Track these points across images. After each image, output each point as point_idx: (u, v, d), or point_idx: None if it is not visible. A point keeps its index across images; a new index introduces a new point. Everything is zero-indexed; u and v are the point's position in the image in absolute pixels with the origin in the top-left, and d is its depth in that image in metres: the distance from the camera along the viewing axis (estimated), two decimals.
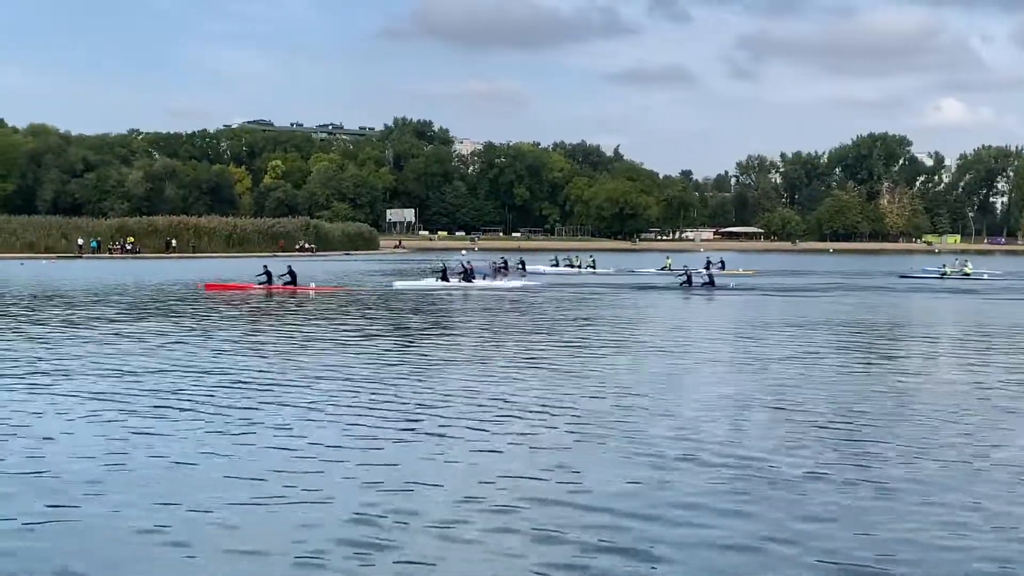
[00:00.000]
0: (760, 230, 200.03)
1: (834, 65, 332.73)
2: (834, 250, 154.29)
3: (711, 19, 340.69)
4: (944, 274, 61.57)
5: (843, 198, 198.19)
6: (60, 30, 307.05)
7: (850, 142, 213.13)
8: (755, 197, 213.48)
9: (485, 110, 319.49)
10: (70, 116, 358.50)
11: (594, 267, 67.50)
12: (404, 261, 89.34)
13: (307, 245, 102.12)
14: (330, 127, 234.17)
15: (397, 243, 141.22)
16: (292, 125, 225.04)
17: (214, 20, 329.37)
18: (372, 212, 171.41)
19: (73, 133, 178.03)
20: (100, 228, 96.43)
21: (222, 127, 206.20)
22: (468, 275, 48.35)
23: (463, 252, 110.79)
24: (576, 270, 66.98)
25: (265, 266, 45.32)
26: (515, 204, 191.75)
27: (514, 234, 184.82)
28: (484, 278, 49.26)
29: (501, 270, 53.05)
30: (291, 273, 43.93)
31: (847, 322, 30.93)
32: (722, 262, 68.79)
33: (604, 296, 42.96)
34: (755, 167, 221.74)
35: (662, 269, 66.05)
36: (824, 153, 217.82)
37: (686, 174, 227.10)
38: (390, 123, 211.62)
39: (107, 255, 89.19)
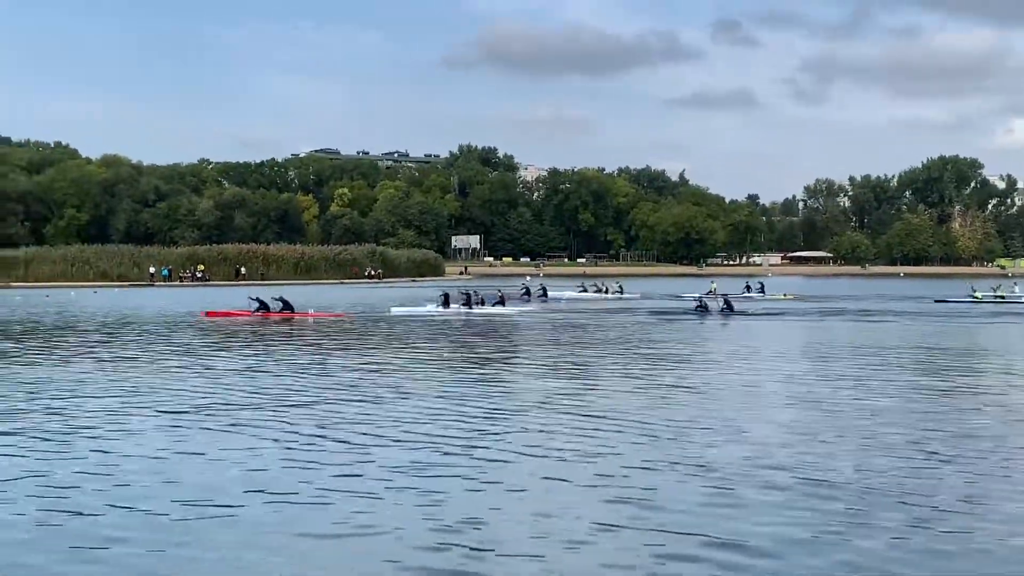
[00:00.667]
0: (829, 254, 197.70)
1: (901, 87, 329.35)
2: (905, 274, 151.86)
3: (775, 42, 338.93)
4: (976, 298, 60.14)
5: (914, 222, 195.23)
6: (132, 62, 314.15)
7: (920, 165, 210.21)
8: (823, 221, 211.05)
9: (549, 136, 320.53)
10: (142, 147, 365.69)
11: (621, 292, 67.14)
12: (470, 287, 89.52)
13: (374, 272, 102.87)
14: (396, 155, 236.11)
15: (463, 269, 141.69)
16: (358, 153, 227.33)
17: (281, 51, 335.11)
18: (437, 239, 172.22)
19: (145, 163, 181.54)
20: (171, 256, 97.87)
21: (290, 156, 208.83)
22: (470, 302, 48.09)
23: (528, 278, 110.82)
24: (603, 295, 66.68)
25: (257, 297, 45.89)
26: (580, 230, 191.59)
27: (579, 260, 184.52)
28: (494, 305, 49.24)
29: (523, 296, 52.53)
30: (283, 300, 44.59)
31: (843, 346, 30.80)
32: (762, 286, 68.33)
33: (621, 322, 42.65)
34: (823, 191, 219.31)
35: (708, 294, 66.16)
36: (893, 176, 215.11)
37: (753, 198, 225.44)
38: (455, 150, 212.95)
39: (178, 283, 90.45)
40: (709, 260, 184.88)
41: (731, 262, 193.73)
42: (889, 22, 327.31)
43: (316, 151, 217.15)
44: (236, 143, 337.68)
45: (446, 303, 47.45)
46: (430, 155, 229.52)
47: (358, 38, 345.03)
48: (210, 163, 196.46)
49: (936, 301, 60.30)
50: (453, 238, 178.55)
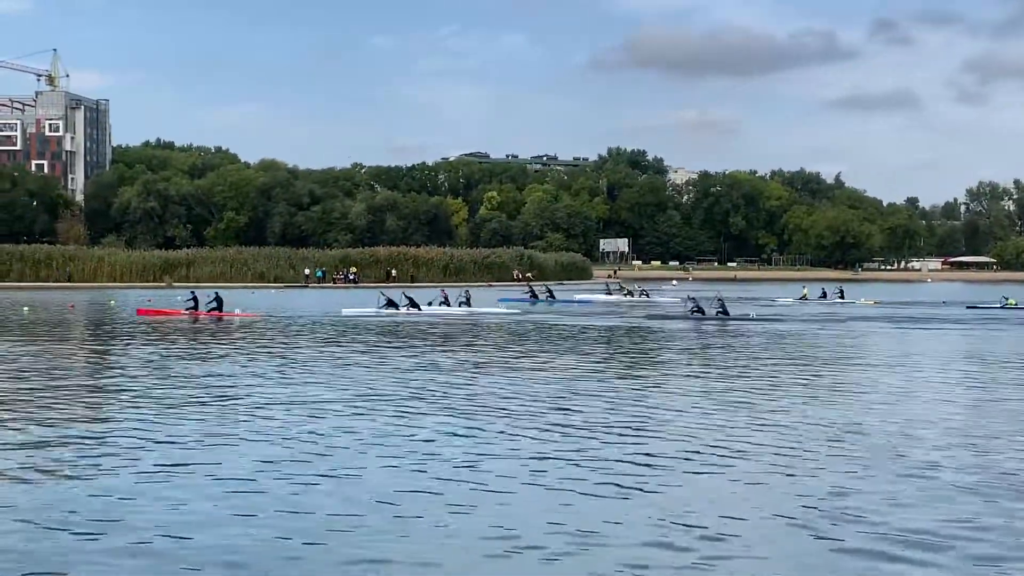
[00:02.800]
0: (992, 260, 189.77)
1: None
2: None
3: (935, 42, 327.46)
4: (1006, 304, 57.35)
5: None
6: (288, 70, 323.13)
7: None
8: (987, 225, 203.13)
9: (699, 139, 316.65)
10: (297, 151, 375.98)
11: (647, 295, 66.31)
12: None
13: (521, 275, 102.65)
14: (544, 158, 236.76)
15: (612, 272, 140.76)
16: (507, 157, 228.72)
17: (432, 58, 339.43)
18: (585, 242, 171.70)
19: (300, 168, 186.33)
20: (325, 258, 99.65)
21: (440, 160, 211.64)
22: (414, 303, 47.21)
23: (674, 282, 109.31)
24: (628, 298, 65.77)
25: (193, 293, 46.97)
26: (731, 233, 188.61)
27: (730, 264, 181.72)
28: (460, 305, 48.63)
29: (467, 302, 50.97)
30: (218, 300, 45.15)
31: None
32: (840, 292, 66.72)
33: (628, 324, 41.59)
34: (986, 194, 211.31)
35: (800, 299, 65.71)
36: None
37: (912, 202, 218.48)
38: (604, 153, 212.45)
39: (331, 284, 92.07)
40: (865, 265, 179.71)
41: (889, 267, 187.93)
42: None
43: (465, 155, 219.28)
44: (387, 148, 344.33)
45: (392, 305, 46.91)
46: (579, 158, 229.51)
47: (502, 42, 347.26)
48: (362, 167, 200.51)
49: (968, 307, 57.94)
50: (601, 241, 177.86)
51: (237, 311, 45.50)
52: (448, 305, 48.79)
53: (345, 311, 47.48)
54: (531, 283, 78.70)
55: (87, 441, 14.42)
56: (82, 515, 10.34)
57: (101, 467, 12.75)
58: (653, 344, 32.83)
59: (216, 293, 47.08)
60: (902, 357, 29.08)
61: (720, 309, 44.04)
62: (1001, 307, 56.57)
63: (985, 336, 37.75)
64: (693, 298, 46.72)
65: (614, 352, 30.05)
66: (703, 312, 44.48)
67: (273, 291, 77.85)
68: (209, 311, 44.86)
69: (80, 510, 10.54)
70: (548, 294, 63.41)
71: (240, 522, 10.17)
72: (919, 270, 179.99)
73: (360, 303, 51.14)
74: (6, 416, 16.59)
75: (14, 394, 19.38)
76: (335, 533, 9.84)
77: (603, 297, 66.90)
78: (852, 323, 44.10)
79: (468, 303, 49.42)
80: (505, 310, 51.60)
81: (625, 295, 67.01)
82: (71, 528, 9.90)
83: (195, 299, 45.65)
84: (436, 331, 37.04)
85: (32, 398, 18.86)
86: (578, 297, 66.77)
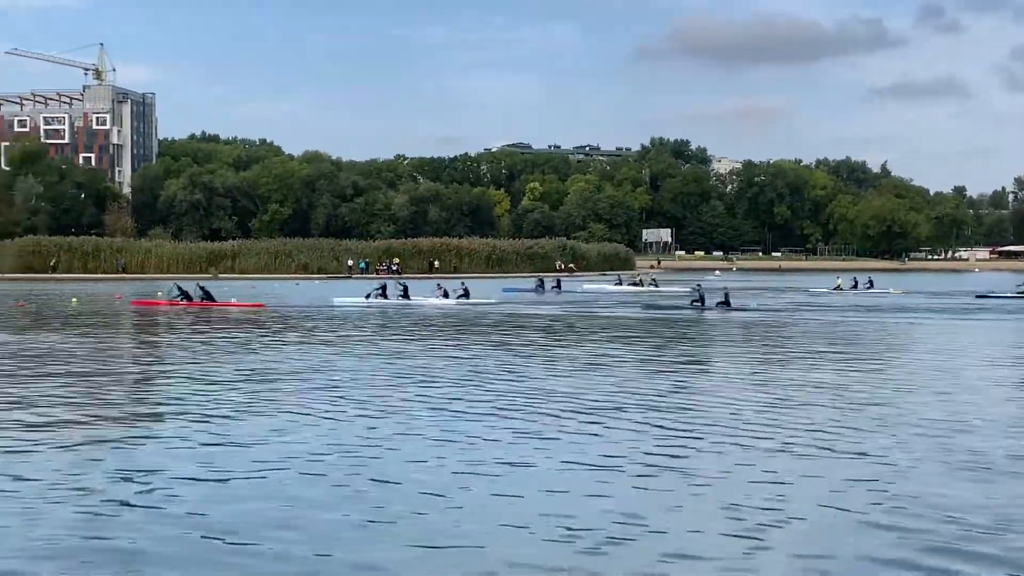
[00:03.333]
0: None
1: None
2: None
3: (984, 29, 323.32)
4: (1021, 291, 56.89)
5: None
6: (332, 63, 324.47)
7: None
8: None
9: (743, 128, 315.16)
10: (341, 143, 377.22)
11: (656, 285, 66.18)
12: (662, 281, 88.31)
13: (564, 265, 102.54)
14: (587, 148, 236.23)
15: (656, 263, 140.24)
16: (550, 147, 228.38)
17: (475, 49, 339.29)
18: (628, 232, 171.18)
19: (344, 159, 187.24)
20: (368, 250, 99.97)
21: (483, 151, 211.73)
22: (407, 293, 47.25)
23: (717, 272, 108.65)
24: (638, 288, 65.49)
25: (178, 285, 47.36)
26: (775, 223, 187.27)
27: (774, 254, 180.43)
28: (459, 297, 48.27)
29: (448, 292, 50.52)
30: (204, 291, 45.59)
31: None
32: (870, 281, 67.02)
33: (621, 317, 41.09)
34: None
35: (835, 289, 65.57)
36: None
37: (959, 191, 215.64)
38: (647, 143, 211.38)
39: (374, 275, 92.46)
40: (912, 254, 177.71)
41: (935, 257, 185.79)
42: None
43: (508, 146, 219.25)
44: (430, 139, 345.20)
45: (384, 295, 47.18)
46: (621, 148, 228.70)
47: (550, 33, 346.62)
48: (405, 159, 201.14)
49: (977, 296, 57.42)
50: (644, 232, 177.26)
51: (234, 300, 45.99)
52: (447, 297, 48.88)
53: (336, 300, 47.91)
54: (542, 274, 78.66)
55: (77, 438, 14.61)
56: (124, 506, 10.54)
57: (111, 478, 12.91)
58: (651, 334, 32.67)
59: (200, 285, 47.39)
60: (898, 345, 29.26)
61: (721, 300, 44.69)
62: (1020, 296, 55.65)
63: (997, 325, 37.69)
64: (698, 287, 47.85)
65: (623, 343, 29.85)
66: (703, 302, 45.14)
67: (317, 282, 78.27)
68: (200, 301, 45.45)
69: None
70: (555, 284, 64.16)
71: (279, 517, 10.28)
72: (967, 260, 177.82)
73: (355, 293, 51.33)
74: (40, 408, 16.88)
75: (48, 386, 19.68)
76: (373, 525, 9.94)
77: (611, 287, 66.65)
78: (854, 313, 43.70)
79: (467, 295, 49.45)
80: (496, 300, 51.01)
81: (635, 285, 66.94)
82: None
83: (182, 290, 46.22)
84: (424, 323, 36.78)
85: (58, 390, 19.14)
86: (584, 287, 66.93)
